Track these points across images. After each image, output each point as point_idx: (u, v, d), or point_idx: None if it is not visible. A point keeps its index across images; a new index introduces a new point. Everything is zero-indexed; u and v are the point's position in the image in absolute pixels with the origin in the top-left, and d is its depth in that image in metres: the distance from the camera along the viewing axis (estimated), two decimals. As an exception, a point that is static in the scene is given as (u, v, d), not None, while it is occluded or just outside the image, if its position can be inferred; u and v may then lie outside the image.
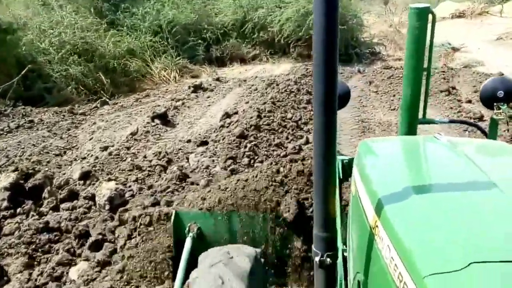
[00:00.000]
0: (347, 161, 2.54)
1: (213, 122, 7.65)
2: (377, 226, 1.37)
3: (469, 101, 7.99)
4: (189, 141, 6.52)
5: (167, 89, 10.62)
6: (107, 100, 9.88)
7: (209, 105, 8.56)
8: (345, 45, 13.88)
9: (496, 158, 1.90)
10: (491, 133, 2.71)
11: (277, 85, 8.46)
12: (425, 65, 2.59)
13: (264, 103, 7.36)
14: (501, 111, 2.56)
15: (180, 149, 6.18)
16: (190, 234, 2.86)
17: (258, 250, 2.71)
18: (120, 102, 9.60)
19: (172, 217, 2.96)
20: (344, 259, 2.00)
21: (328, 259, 1.62)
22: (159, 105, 8.79)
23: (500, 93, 2.55)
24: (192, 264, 2.62)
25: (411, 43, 2.50)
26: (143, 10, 13.38)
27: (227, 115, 7.39)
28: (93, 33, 10.87)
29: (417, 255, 1.10)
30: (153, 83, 11.98)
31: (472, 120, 6.32)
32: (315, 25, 1.36)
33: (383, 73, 10.84)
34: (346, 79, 10.20)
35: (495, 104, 2.58)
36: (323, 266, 1.63)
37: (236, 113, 7.41)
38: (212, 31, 14.90)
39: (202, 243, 2.84)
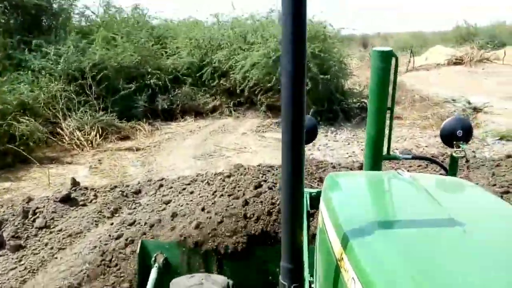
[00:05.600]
0: (315, 193, 2.60)
1: None
2: (342, 258, 1.39)
3: None
4: None
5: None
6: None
7: None
8: (329, 98, 10.74)
9: (456, 194, 1.98)
10: (451, 170, 2.76)
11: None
12: (389, 104, 2.65)
13: None
14: (460, 149, 2.60)
15: None
16: (156, 264, 2.77)
17: (230, 281, 2.56)
18: None
19: (138, 247, 2.88)
20: None
21: None
22: None
23: (459, 132, 2.60)
24: None
25: (375, 84, 2.59)
26: (60, 48, 9.97)
27: None
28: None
29: None
30: (62, 148, 8.45)
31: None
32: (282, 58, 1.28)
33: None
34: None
35: (454, 142, 2.63)
36: None
37: None
38: (159, 77, 11.59)
39: (168, 275, 2.69)
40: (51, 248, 3.86)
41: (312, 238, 2.38)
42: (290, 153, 1.38)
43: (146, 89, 11.26)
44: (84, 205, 4.53)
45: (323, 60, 10.76)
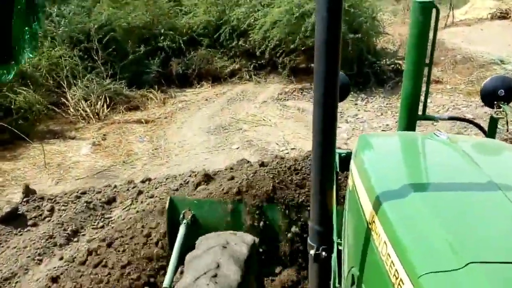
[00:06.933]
0: (344, 154, 2.47)
1: None
2: (374, 222, 1.33)
3: None
4: None
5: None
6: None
7: None
8: (359, 60, 9.64)
9: (494, 157, 1.89)
10: (490, 132, 2.65)
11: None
12: (427, 61, 2.57)
13: None
14: (501, 109, 2.48)
15: None
16: (184, 221, 2.78)
17: (256, 238, 2.56)
18: None
19: (167, 204, 2.87)
20: (339, 253, 1.93)
21: (323, 253, 1.56)
22: None
23: (501, 92, 2.48)
24: (185, 251, 2.48)
25: (413, 38, 2.50)
26: (64, 9, 9.13)
27: None
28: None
29: (414, 253, 1.09)
30: (67, 121, 7.80)
31: None
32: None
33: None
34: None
35: (495, 102, 2.51)
36: (318, 260, 1.59)
37: None
38: (173, 38, 10.67)
39: (196, 231, 2.71)
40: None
41: (341, 200, 2.27)
42: (322, 110, 1.30)
43: (159, 52, 10.38)
44: (35, 224, 3.57)
45: (353, 17, 9.58)
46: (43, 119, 7.49)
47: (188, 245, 2.52)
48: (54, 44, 8.58)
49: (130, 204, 3.72)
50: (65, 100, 8.09)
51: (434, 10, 2.48)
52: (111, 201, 3.84)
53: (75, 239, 3.39)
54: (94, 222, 3.58)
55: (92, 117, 7.83)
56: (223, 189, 3.10)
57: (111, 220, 3.49)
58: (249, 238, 2.51)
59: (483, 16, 16.64)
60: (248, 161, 3.81)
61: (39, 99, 7.31)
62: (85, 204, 3.73)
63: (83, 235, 3.42)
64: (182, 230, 2.73)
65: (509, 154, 1.88)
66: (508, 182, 1.35)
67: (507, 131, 4.95)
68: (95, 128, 7.44)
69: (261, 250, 2.74)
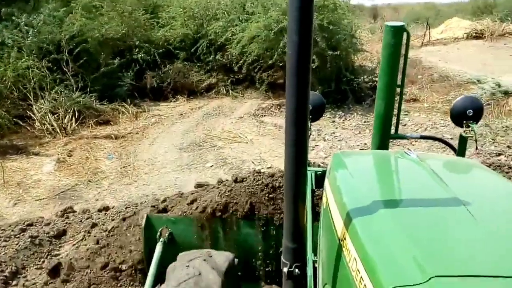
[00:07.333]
0: (320, 172, 2.59)
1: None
2: (345, 238, 1.38)
3: None
4: None
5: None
6: None
7: None
8: (337, 77, 9.53)
9: (463, 175, 1.95)
10: (460, 150, 2.74)
11: None
12: (399, 82, 2.66)
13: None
14: (470, 129, 2.59)
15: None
16: (161, 239, 2.76)
17: (236, 259, 2.59)
18: None
19: (143, 222, 2.83)
20: (315, 270, 1.92)
21: (297, 270, 1.57)
22: None
23: (469, 112, 2.58)
24: (162, 269, 2.43)
25: (386, 60, 2.57)
26: (34, 18, 8.76)
27: None
28: None
29: (381, 268, 1.12)
30: (32, 135, 7.39)
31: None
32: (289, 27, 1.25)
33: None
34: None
35: (464, 122, 2.61)
36: (292, 277, 1.58)
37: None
38: (148, 51, 10.39)
39: (173, 249, 2.68)
40: None
41: (317, 216, 2.28)
42: (294, 129, 1.32)
43: (133, 64, 10.07)
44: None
45: (332, 34, 9.48)
46: (6, 133, 7.08)
47: (165, 264, 2.47)
48: (22, 55, 8.19)
49: (82, 240, 3.34)
50: (31, 114, 7.70)
51: (405, 34, 2.55)
52: (60, 234, 3.42)
53: (14, 283, 2.97)
54: (39, 261, 3.15)
55: (59, 131, 7.45)
56: (197, 208, 2.98)
57: (59, 259, 3.10)
58: (228, 254, 2.55)
59: (458, 36, 16.90)
60: (209, 184, 3.53)
61: (2, 112, 6.90)
62: (29, 240, 3.30)
63: (24, 277, 3.02)
64: (159, 248, 2.70)
65: (475, 172, 1.96)
66: (472, 199, 1.40)
67: (476, 149, 5.30)
68: (61, 144, 7.05)
69: (239, 270, 2.70)
